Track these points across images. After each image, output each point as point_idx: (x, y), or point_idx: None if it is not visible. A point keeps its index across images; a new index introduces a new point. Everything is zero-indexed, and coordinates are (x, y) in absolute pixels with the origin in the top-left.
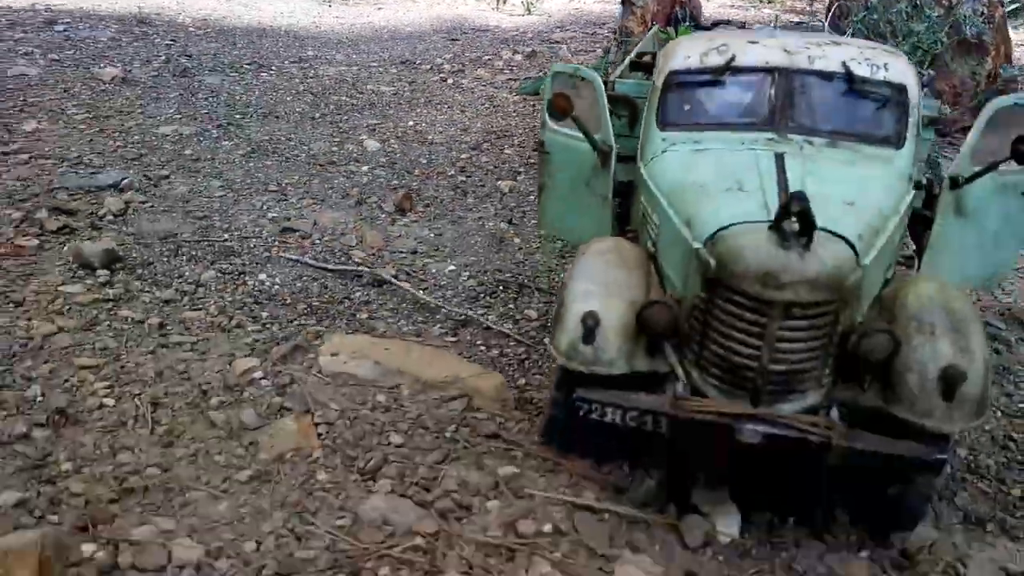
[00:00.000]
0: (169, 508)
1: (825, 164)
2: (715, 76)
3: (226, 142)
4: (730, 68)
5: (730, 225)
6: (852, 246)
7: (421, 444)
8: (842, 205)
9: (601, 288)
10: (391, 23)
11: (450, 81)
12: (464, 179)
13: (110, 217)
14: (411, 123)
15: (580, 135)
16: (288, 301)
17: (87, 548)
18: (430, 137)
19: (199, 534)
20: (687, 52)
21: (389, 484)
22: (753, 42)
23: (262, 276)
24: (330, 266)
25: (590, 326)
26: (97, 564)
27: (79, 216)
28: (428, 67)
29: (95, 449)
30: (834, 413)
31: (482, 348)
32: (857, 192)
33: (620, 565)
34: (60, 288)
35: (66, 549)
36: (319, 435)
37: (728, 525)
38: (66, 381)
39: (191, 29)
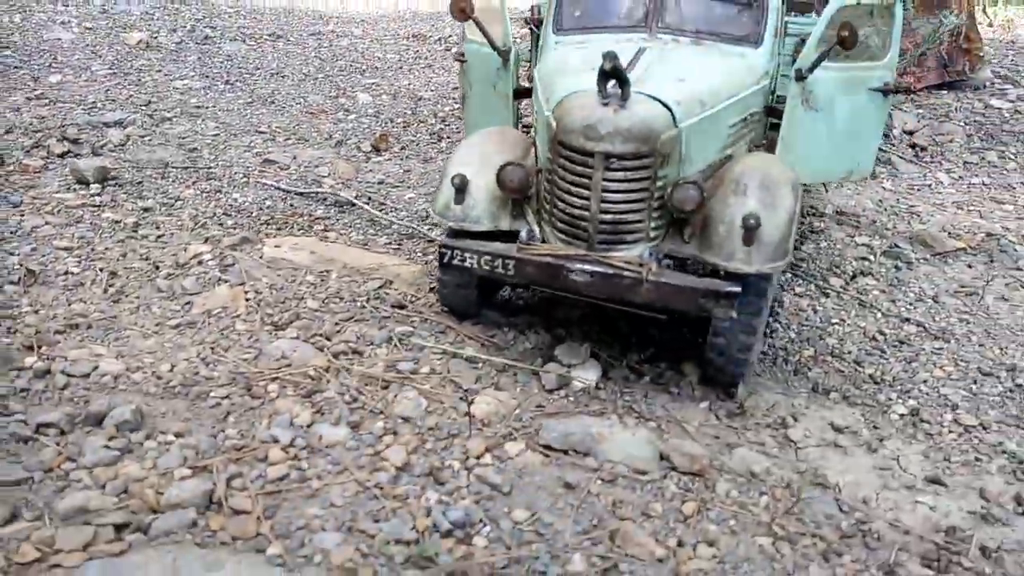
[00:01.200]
0: (105, 340)
1: (678, 55)
2: None
3: (230, 94)
4: None
5: (572, 93)
6: (669, 108)
7: (333, 309)
8: (673, 80)
9: (476, 159)
10: (413, 5)
11: (453, 50)
12: (443, 127)
13: (110, 146)
14: (406, 83)
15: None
16: (253, 213)
17: (29, 360)
18: (421, 94)
19: (125, 358)
20: None
21: (295, 332)
22: None
23: (236, 195)
24: (299, 189)
25: (458, 187)
26: (34, 370)
27: (83, 144)
28: (436, 39)
29: (54, 300)
30: (646, 255)
31: (419, 255)
32: (694, 74)
33: (480, 396)
34: (54, 195)
35: (11, 360)
36: (246, 299)
37: (584, 374)
38: (43, 256)
39: (224, 6)
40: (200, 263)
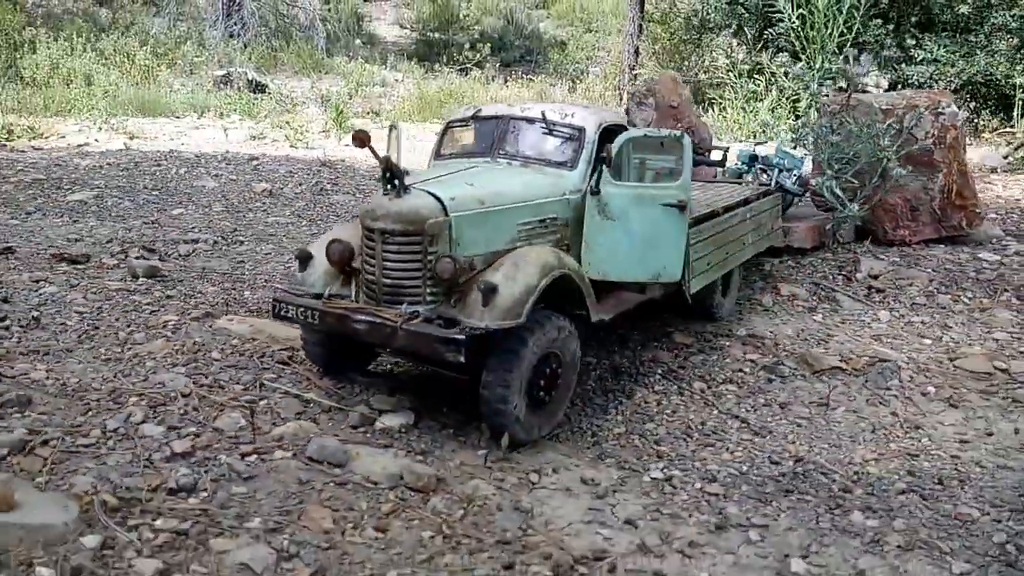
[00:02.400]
0: (49, 362)
1: (495, 172)
2: (466, 124)
3: (305, 227)
4: (475, 118)
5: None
6: (440, 201)
7: (229, 360)
8: (463, 185)
9: (322, 240)
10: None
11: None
12: None
13: (176, 255)
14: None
15: None
16: (246, 304)
17: None
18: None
19: (52, 371)
20: (458, 112)
21: (185, 370)
22: (496, 103)
23: (247, 294)
24: None
25: (301, 259)
26: None
27: (155, 253)
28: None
29: (37, 338)
30: (403, 310)
31: None
32: (491, 183)
33: (291, 423)
34: (105, 282)
35: None
36: (171, 349)
37: (390, 419)
38: (56, 313)
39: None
40: (164, 327)
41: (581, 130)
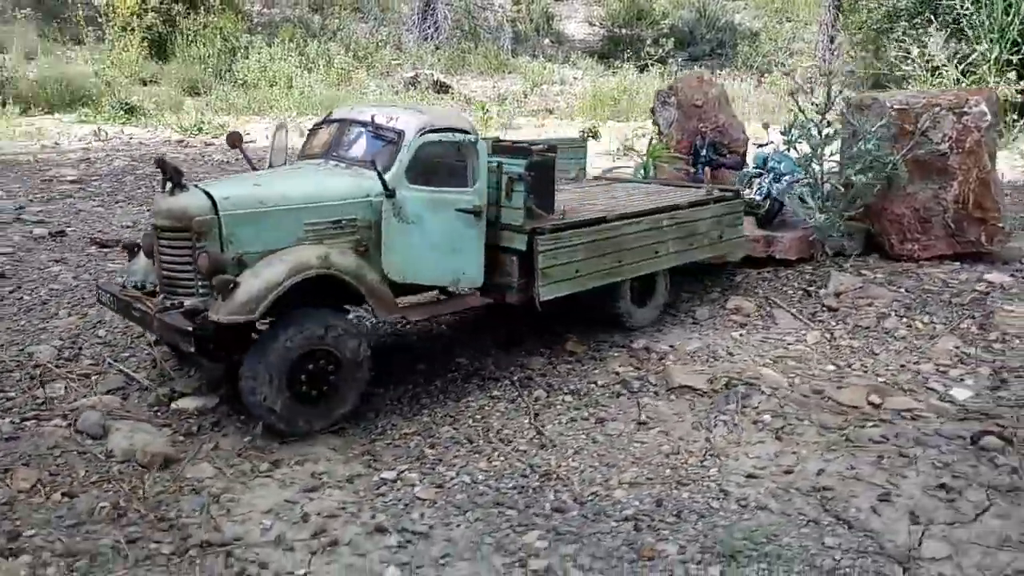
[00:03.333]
0: None
1: (305, 174)
2: (318, 126)
3: None
4: (326, 120)
5: None
6: (212, 199)
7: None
8: (249, 185)
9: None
10: None
11: None
12: None
13: None
14: None
15: None
16: None
17: None
18: None
19: None
20: (318, 118)
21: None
22: (350, 107)
23: None
24: None
25: (130, 250)
26: None
27: None
28: None
29: None
30: (159, 300)
31: None
32: (283, 184)
33: (96, 397)
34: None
35: None
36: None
37: (190, 401)
38: None
39: None
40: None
41: (400, 133)
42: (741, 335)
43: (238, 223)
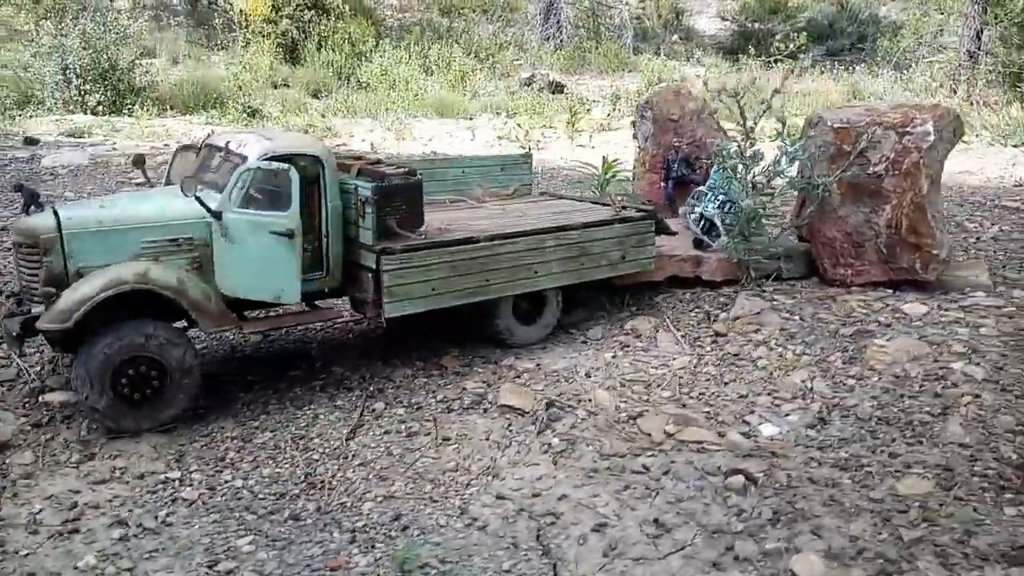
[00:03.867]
0: None
1: (150, 197)
2: (198, 150)
3: None
4: (204, 145)
5: None
6: (58, 219)
7: None
8: (95, 207)
9: None
10: None
11: None
12: None
13: None
14: None
15: None
16: None
17: None
18: None
19: None
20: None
21: None
22: (219, 134)
23: None
24: None
25: None
26: None
27: None
28: None
29: None
30: (11, 306)
31: None
32: (124, 206)
33: None
34: None
35: None
36: None
37: (54, 395)
38: None
39: None
40: None
41: (244, 158)
42: (614, 357)
43: (78, 240)
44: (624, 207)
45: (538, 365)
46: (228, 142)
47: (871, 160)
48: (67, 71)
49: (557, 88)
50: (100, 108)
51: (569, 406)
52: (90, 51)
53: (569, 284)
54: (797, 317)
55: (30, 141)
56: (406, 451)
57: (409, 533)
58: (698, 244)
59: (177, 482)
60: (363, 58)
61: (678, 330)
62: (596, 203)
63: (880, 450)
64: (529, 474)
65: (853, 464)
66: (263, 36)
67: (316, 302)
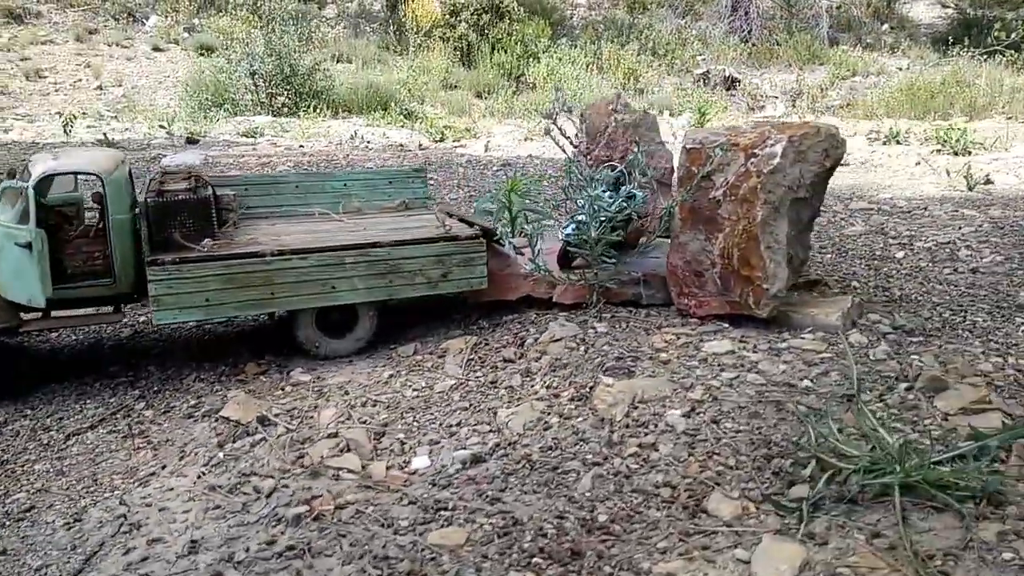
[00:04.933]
0: None
1: None
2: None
3: None
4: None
5: None
6: None
7: None
8: None
9: None
10: None
11: None
12: None
13: None
14: None
15: None
16: None
17: None
18: None
19: None
20: None
21: None
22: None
23: None
24: None
25: None
26: None
27: None
28: None
29: None
30: None
31: None
32: None
33: None
34: None
35: None
36: None
37: None
38: None
39: None
40: None
41: (28, 176)
42: (392, 376)
43: None
44: (449, 227)
45: (316, 378)
46: (29, 161)
47: (715, 184)
48: (254, 76)
49: (731, 84)
50: (284, 110)
51: (277, 422)
52: (274, 57)
53: (377, 301)
54: (582, 348)
55: (190, 140)
56: (108, 451)
57: (9, 522)
58: (563, 263)
59: None
60: (533, 59)
61: (474, 352)
62: (466, 221)
63: (485, 495)
64: (166, 483)
65: (434, 506)
66: (442, 40)
67: (122, 306)
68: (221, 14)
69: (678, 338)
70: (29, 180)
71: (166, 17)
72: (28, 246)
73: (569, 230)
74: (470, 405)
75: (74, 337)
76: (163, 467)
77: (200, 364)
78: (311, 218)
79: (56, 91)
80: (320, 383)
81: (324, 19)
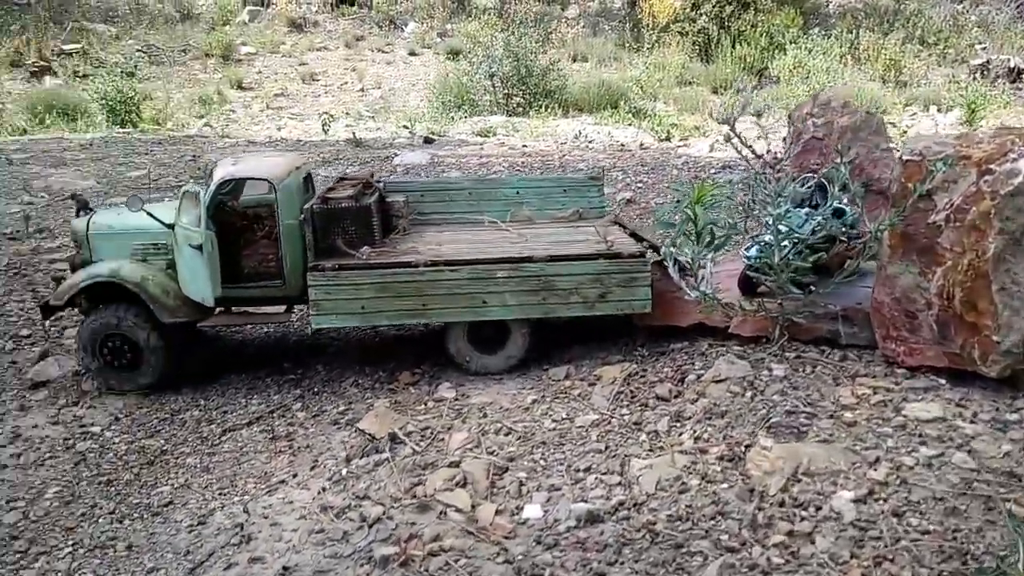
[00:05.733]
0: None
1: (157, 208)
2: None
3: None
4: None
5: None
6: (88, 224)
7: None
8: (113, 215)
9: None
10: None
11: None
12: None
13: None
14: None
15: None
16: None
17: None
18: None
19: None
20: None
21: None
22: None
23: None
24: None
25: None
26: None
27: None
28: None
29: None
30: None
31: None
32: (130, 219)
33: None
34: None
35: None
36: None
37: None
38: None
39: None
40: None
41: (210, 182)
42: (535, 402)
43: (96, 240)
44: (611, 242)
45: (460, 395)
46: (213, 166)
47: (936, 205)
48: (492, 77)
49: (1017, 76)
50: (519, 110)
51: (406, 442)
52: (511, 58)
53: (529, 318)
54: (749, 394)
55: (427, 140)
56: (253, 452)
57: (147, 516)
58: (746, 288)
59: (89, 429)
60: (779, 51)
61: (626, 384)
62: (636, 236)
63: (590, 567)
64: (289, 494)
65: (531, 570)
66: (679, 34)
67: (292, 307)
68: (470, 19)
69: (874, 393)
70: (209, 185)
71: (422, 24)
72: (200, 248)
73: (752, 252)
74: (605, 448)
75: (265, 330)
76: (294, 476)
77: (362, 368)
78: (479, 226)
79: (325, 93)
80: (462, 401)
81: (565, 19)
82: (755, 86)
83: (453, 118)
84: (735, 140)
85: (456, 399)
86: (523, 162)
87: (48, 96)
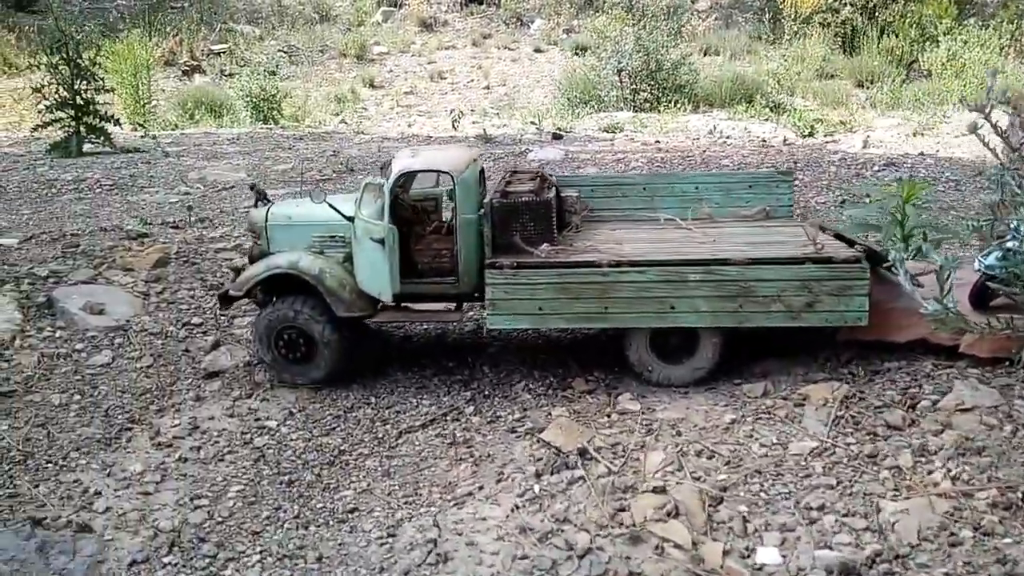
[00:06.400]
0: None
1: (338, 200)
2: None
3: None
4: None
5: None
6: (267, 214)
7: None
8: (292, 207)
9: None
10: None
11: None
12: None
13: None
14: None
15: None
16: None
17: None
18: None
19: None
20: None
21: None
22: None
23: None
24: None
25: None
26: None
27: None
28: None
29: None
30: None
31: None
32: (305, 210)
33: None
34: None
35: None
36: None
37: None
38: None
39: None
40: None
41: (389, 174)
42: (733, 422)
43: (275, 230)
44: (820, 245)
45: (645, 408)
46: (392, 159)
47: None
48: (621, 72)
49: None
50: (646, 105)
51: (599, 459)
52: (641, 53)
53: (723, 327)
54: (1009, 428)
55: (556, 136)
56: (433, 457)
57: (333, 522)
58: (978, 301)
59: (275, 432)
60: (931, 42)
61: (844, 407)
62: (843, 239)
63: None
64: (480, 509)
65: None
66: (821, 26)
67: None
68: (598, 14)
69: None
70: (389, 177)
71: (548, 20)
72: (381, 242)
73: (992, 259)
74: (838, 483)
75: (425, 327)
76: (480, 488)
77: (530, 371)
78: (656, 224)
79: (452, 90)
80: (649, 415)
81: (696, 12)
82: (904, 79)
83: (579, 114)
84: (982, 130)
85: (642, 412)
86: (661, 158)
87: (197, 93)
